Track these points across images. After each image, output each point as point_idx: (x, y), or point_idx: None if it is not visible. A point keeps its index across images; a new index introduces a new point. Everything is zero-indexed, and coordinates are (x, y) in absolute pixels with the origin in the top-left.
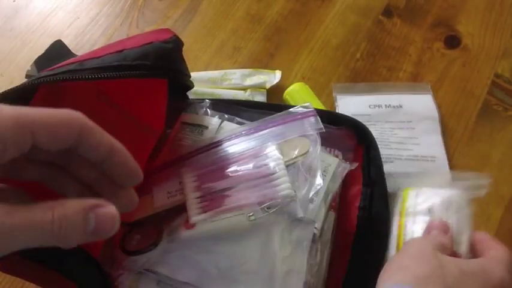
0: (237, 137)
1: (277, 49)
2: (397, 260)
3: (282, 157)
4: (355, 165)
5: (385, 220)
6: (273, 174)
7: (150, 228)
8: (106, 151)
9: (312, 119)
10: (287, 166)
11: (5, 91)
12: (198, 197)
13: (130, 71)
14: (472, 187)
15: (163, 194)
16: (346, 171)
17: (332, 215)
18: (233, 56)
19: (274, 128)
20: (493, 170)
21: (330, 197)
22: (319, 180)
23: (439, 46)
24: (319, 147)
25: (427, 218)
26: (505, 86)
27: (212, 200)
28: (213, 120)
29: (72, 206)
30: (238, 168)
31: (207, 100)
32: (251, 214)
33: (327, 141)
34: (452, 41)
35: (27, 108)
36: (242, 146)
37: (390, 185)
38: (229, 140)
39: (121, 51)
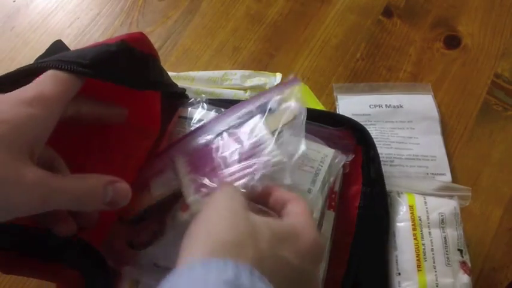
0: (220, 117)
1: (277, 49)
2: (204, 221)
3: (267, 127)
4: (351, 156)
5: (385, 220)
6: (260, 145)
7: (153, 221)
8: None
9: (295, 86)
10: (274, 135)
11: (7, 74)
12: (191, 179)
13: (68, 66)
14: (461, 198)
15: (160, 184)
16: (342, 163)
17: (331, 214)
18: (233, 56)
19: (256, 103)
20: (493, 170)
21: (326, 187)
22: (303, 147)
23: (439, 46)
24: (304, 113)
25: (440, 231)
26: (505, 86)
27: (205, 180)
28: (210, 114)
29: (96, 180)
30: (226, 146)
31: (204, 95)
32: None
33: (327, 141)
34: (452, 41)
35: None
36: (227, 124)
37: (390, 185)
38: (215, 121)
39: (93, 47)
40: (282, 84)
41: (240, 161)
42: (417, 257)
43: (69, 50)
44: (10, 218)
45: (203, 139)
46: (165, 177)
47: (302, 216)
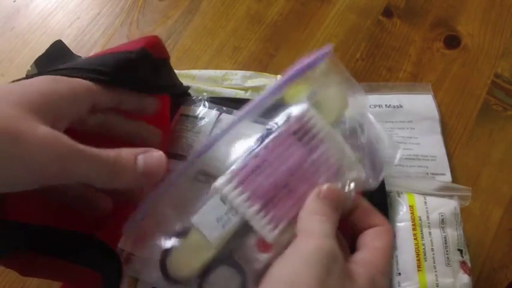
0: (247, 112)
1: (277, 49)
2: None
3: (323, 118)
4: None
5: None
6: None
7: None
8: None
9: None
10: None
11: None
12: (258, 209)
13: (89, 74)
14: (461, 198)
15: (211, 224)
16: None
17: None
18: (233, 56)
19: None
20: (493, 170)
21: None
22: (383, 134)
23: (439, 46)
24: (360, 90)
25: (440, 231)
26: (504, 86)
27: (277, 204)
28: (212, 112)
29: (126, 151)
30: (281, 152)
31: (205, 94)
32: None
33: None
34: (452, 41)
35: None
36: (262, 122)
37: (390, 185)
38: (238, 120)
39: (103, 55)
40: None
41: (306, 167)
42: (417, 257)
43: (70, 50)
44: (31, 182)
45: (239, 148)
46: (211, 211)
47: (381, 257)
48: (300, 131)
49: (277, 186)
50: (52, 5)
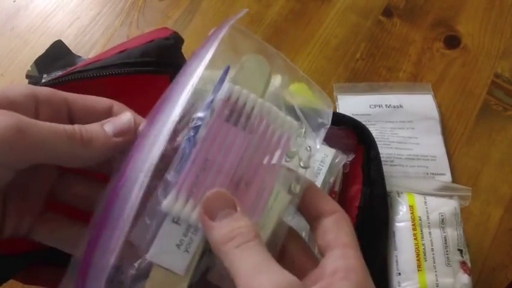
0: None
1: (277, 49)
2: None
3: (251, 92)
4: (351, 156)
5: (385, 220)
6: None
7: None
8: None
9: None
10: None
11: None
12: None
13: (133, 68)
14: (461, 198)
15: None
16: (343, 163)
17: None
18: None
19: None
20: (493, 170)
21: (326, 187)
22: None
23: (439, 46)
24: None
25: (440, 231)
26: (504, 86)
27: (239, 203)
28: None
29: (91, 124)
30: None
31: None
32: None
33: (327, 141)
34: (452, 41)
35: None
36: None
37: (390, 185)
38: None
39: (123, 51)
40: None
41: (259, 153)
42: (417, 257)
43: (70, 50)
44: None
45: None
46: (166, 238)
47: (353, 276)
48: (232, 115)
49: (232, 182)
50: (52, 5)
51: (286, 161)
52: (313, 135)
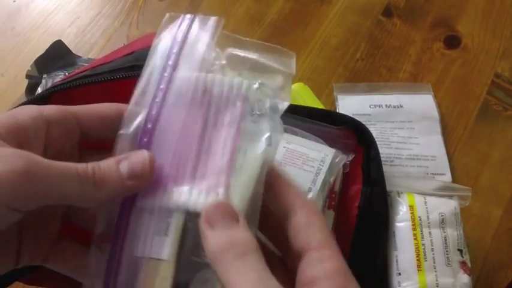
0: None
1: None
2: None
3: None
4: (351, 156)
5: (385, 220)
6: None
7: None
8: None
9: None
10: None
11: (18, 104)
12: (187, 190)
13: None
14: (461, 198)
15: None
16: (343, 162)
17: (331, 214)
18: None
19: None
20: (493, 170)
21: (326, 187)
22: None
23: (439, 46)
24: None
25: (440, 231)
26: (504, 86)
27: (205, 172)
28: None
29: (105, 160)
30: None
31: None
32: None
33: (327, 141)
34: (452, 41)
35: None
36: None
37: (390, 185)
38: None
39: (131, 53)
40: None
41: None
42: (417, 257)
43: (69, 50)
44: None
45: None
46: (141, 229)
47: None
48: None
49: (190, 152)
50: (52, 4)
51: (251, 116)
52: (273, 86)
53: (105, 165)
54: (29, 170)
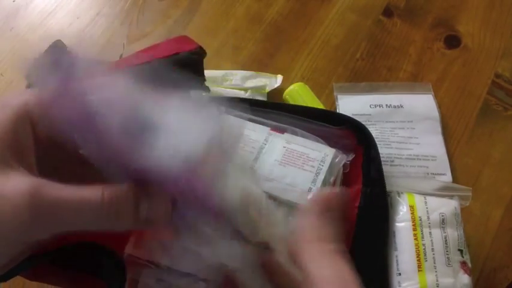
0: None
1: (277, 49)
2: None
3: None
4: (351, 156)
5: (385, 220)
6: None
7: None
8: None
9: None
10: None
11: None
12: None
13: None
14: (461, 198)
15: None
16: (343, 162)
17: None
18: (233, 56)
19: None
20: (493, 170)
21: (326, 187)
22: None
23: (439, 46)
24: None
25: (440, 231)
26: (505, 86)
27: None
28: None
29: (123, 189)
30: None
31: (204, 94)
32: None
33: (327, 141)
34: (452, 41)
35: None
36: None
37: (390, 185)
38: None
39: (150, 61)
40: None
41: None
42: (417, 257)
43: (69, 50)
44: (8, 252)
45: None
46: None
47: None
48: None
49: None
50: (52, 5)
51: None
52: None
53: (123, 199)
54: (35, 206)
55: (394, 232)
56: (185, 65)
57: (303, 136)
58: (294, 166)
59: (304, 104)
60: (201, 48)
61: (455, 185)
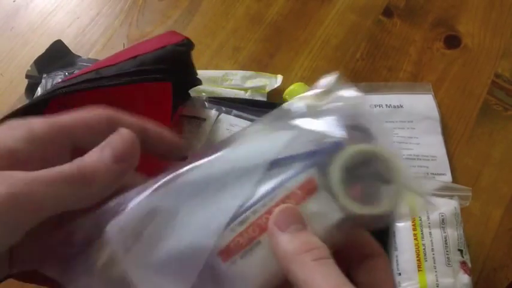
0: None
1: (277, 49)
2: None
3: None
4: None
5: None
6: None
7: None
8: (139, 130)
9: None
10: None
11: (18, 108)
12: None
13: (148, 75)
14: (461, 198)
15: None
16: None
17: None
18: (233, 56)
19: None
20: (493, 170)
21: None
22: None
23: (439, 46)
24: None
25: (440, 231)
26: (505, 86)
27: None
28: (211, 113)
29: (87, 153)
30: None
31: (204, 94)
32: None
33: None
34: (452, 41)
35: (55, 117)
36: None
37: None
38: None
39: (135, 57)
40: None
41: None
42: (417, 257)
43: (69, 50)
44: None
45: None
46: None
47: None
48: None
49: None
50: (52, 4)
51: None
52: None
53: (88, 157)
54: (13, 193)
55: (394, 232)
56: (173, 58)
57: None
58: None
59: None
60: (188, 39)
61: (455, 185)
